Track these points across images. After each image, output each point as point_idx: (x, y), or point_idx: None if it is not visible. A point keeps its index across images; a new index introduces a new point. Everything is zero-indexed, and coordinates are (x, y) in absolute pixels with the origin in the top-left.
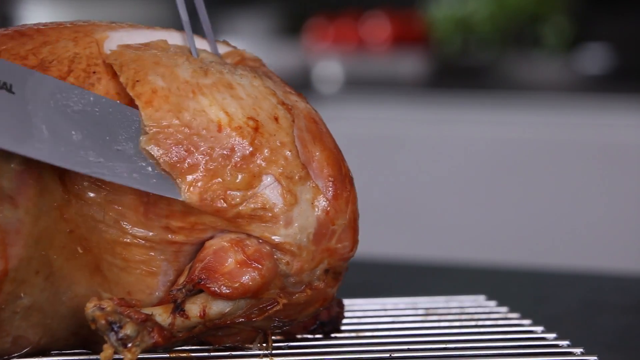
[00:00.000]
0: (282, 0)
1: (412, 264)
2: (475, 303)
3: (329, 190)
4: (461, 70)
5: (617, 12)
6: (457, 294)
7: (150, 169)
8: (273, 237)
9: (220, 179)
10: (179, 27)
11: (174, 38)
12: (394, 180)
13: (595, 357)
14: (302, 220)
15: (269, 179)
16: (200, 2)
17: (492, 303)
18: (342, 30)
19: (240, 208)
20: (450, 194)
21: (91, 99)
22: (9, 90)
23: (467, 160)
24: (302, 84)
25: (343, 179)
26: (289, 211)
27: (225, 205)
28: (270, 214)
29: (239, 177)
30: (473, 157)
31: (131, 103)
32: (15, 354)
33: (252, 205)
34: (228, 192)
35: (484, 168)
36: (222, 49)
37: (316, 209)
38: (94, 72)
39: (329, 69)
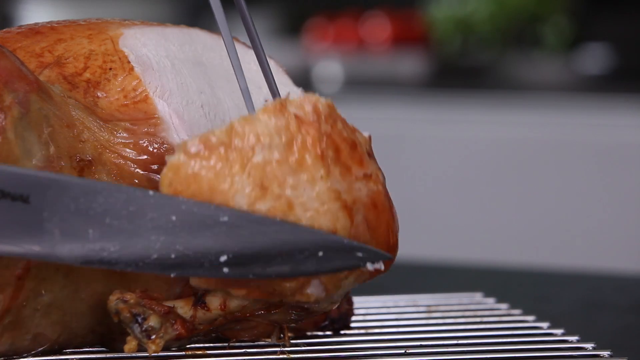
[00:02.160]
0: (282, 0)
1: (411, 263)
2: (475, 300)
3: None
4: (461, 70)
5: (617, 12)
6: (457, 292)
7: None
8: None
9: None
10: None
11: (187, 35)
12: (394, 180)
13: (608, 352)
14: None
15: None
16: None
17: (491, 300)
18: (342, 30)
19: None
20: (450, 193)
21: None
22: (25, 201)
23: (467, 160)
24: (302, 84)
25: None
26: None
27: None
28: None
29: None
30: (473, 157)
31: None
32: (33, 351)
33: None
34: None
35: (484, 168)
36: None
37: None
38: (110, 69)
39: (329, 69)
